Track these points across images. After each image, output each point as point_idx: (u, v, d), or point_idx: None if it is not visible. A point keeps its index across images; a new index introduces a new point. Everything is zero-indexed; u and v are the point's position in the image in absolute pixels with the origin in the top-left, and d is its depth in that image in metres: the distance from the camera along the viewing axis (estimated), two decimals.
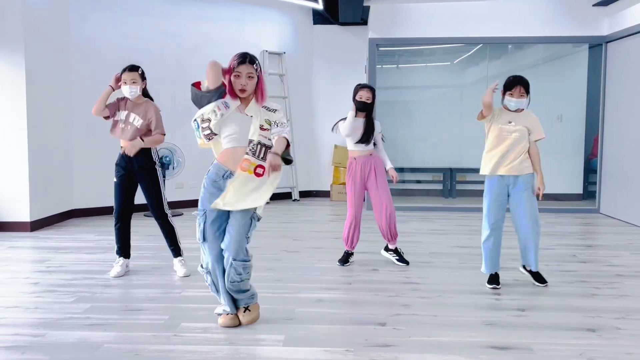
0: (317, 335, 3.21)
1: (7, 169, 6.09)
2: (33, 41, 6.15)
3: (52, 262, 4.84)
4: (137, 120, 4.32)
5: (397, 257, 4.84)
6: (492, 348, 2.99)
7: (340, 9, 8.11)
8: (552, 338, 3.14)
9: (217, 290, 3.34)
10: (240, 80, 3.15)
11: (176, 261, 4.51)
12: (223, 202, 3.14)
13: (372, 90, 4.71)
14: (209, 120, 3.15)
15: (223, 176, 3.19)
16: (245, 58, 3.17)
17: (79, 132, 7.05)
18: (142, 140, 4.30)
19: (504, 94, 4.07)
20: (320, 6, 8.46)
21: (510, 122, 4.03)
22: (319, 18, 9.18)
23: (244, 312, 3.36)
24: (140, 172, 4.39)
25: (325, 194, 9.27)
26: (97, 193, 7.21)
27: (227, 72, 3.19)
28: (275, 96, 8.59)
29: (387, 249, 4.93)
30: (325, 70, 9.27)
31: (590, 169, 8.62)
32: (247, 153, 3.15)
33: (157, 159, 6.61)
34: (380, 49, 8.32)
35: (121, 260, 4.51)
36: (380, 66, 8.53)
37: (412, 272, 4.55)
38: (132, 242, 5.60)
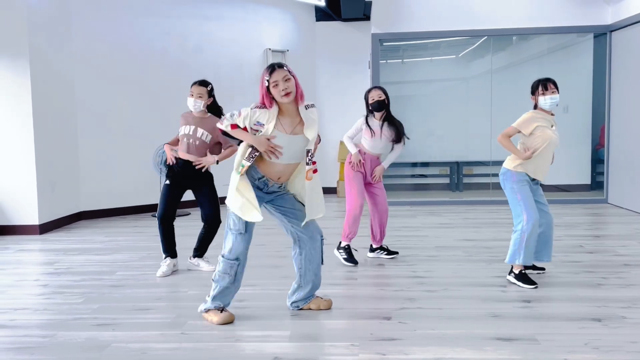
0: (323, 330, 3.23)
1: (15, 173, 6.14)
2: (37, 44, 6.20)
3: (60, 264, 4.89)
4: (206, 136, 4.34)
5: (386, 252, 4.84)
6: (497, 340, 2.99)
7: (343, 5, 8.11)
8: (557, 328, 3.13)
9: (234, 281, 3.32)
10: (280, 86, 3.11)
11: (202, 261, 4.61)
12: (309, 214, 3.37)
13: (382, 88, 4.68)
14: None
15: (258, 179, 3.28)
16: (273, 66, 3.17)
17: (85, 135, 7.10)
18: (215, 158, 4.36)
19: (535, 96, 4.02)
20: (322, 3, 8.47)
21: (552, 127, 3.99)
22: (321, 14, 9.19)
23: (322, 298, 3.58)
24: (196, 182, 4.44)
25: (331, 191, 9.28)
26: (105, 195, 7.27)
27: (264, 92, 3.18)
28: None
29: (372, 249, 4.89)
30: (329, 66, 9.28)
31: (598, 159, 8.57)
32: (307, 163, 3.29)
33: (161, 161, 6.63)
34: (384, 43, 8.31)
35: (168, 259, 4.52)
36: (384, 61, 8.53)
37: (418, 266, 4.55)
38: (140, 243, 5.68)
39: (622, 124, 7.39)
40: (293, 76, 3.19)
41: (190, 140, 4.33)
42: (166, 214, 4.45)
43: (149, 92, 7.52)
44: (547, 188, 8.33)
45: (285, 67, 3.17)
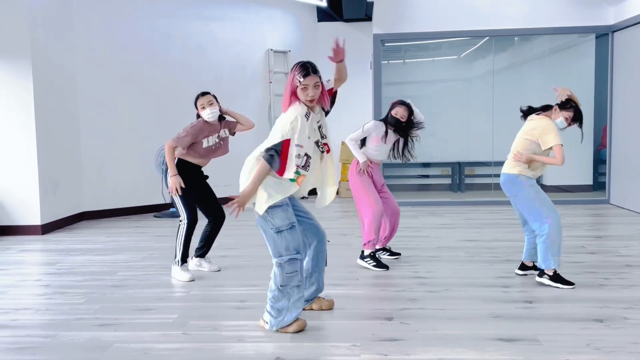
0: (324, 330, 3.23)
1: (17, 174, 6.15)
2: (39, 44, 6.20)
3: (62, 264, 4.89)
4: (227, 133, 4.51)
5: (389, 253, 4.83)
6: (498, 340, 2.99)
7: (344, 6, 8.12)
8: (559, 329, 3.13)
9: (302, 278, 3.19)
10: (308, 92, 3.11)
11: (204, 261, 4.60)
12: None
13: (410, 109, 4.62)
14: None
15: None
16: (308, 69, 3.11)
17: (87, 135, 7.11)
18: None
19: (562, 112, 4.02)
20: (324, 3, 8.47)
21: None
22: (323, 15, 9.19)
23: (323, 299, 3.55)
24: (202, 182, 4.51)
25: None
26: (107, 195, 7.28)
27: (291, 88, 3.17)
28: (281, 94, 8.62)
29: (376, 250, 4.76)
30: (331, 67, 9.21)
31: (600, 160, 8.56)
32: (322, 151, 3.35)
33: (163, 161, 6.65)
34: (386, 44, 8.31)
35: (185, 264, 4.48)
36: (386, 62, 8.52)
37: (419, 267, 4.55)
38: (142, 243, 5.68)
39: (624, 125, 7.38)
40: (321, 82, 3.17)
41: (221, 144, 4.45)
42: (195, 218, 4.41)
43: (151, 92, 7.52)
44: (549, 189, 8.36)
45: (317, 73, 3.14)
